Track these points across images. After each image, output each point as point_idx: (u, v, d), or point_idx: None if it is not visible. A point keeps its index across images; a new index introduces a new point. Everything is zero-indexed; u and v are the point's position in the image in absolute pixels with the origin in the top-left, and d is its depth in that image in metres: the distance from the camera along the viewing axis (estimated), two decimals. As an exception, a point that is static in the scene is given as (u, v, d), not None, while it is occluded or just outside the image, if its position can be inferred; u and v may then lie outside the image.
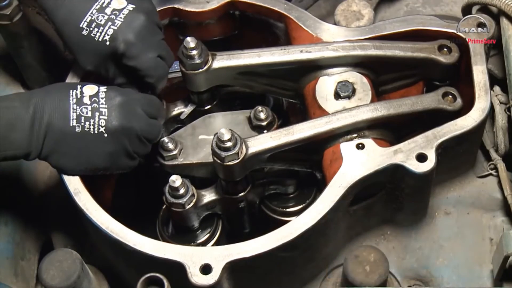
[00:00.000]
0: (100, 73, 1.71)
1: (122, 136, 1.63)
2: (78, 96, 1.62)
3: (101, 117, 1.61)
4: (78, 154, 1.63)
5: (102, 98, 1.62)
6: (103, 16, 1.65)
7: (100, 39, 1.65)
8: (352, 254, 1.57)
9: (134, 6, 1.67)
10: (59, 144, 1.61)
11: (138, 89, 1.72)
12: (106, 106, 1.61)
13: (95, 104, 1.61)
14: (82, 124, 1.60)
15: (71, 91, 1.63)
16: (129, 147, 1.65)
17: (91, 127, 1.60)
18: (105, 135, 1.61)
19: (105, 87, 1.65)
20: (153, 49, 1.68)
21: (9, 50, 1.95)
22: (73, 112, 1.60)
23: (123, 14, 1.65)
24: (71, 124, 1.60)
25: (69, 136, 1.60)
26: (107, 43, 1.65)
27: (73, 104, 1.61)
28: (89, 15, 1.65)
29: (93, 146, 1.62)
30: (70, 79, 1.80)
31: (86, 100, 1.62)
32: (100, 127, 1.60)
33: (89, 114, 1.61)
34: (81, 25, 1.65)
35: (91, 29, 1.65)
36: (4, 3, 1.80)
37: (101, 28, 1.64)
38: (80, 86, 1.64)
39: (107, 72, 1.70)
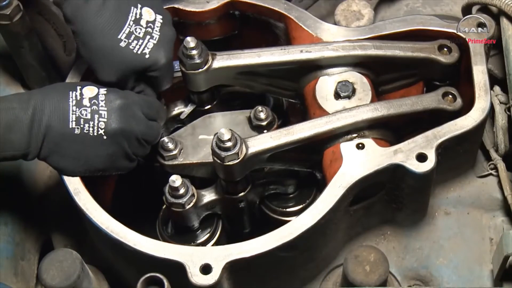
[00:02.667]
0: (119, 85, 1.69)
1: (121, 139, 1.63)
2: (78, 98, 1.62)
3: (100, 119, 1.60)
4: (77, 156, 1.63)
5: (101, 101, 1.62)
6: (141, 29, 1.65)
7: (139, 52, 1.65)
8: (352, 254, 1.57)
9: (162, 17, 1.69)
10: (58, 145, 1.61)
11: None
12: (105, 108, 1.61)
13: (94, 107, 1.61)
14: (81, 126, 1.60)
15: (70, 92, 1.62)
16: (128, 149, 1.65)
17: (90, 129, 1.60)
18: (104, 137, 1.61)
19: (105, 89, 1.65)
20: (172, 57, 1.72)
21: (9, 50, 1.95)
22: (72, 114, 1.60)
23: (157, 27, 1.67)
24: (70, 126, 1.60)
25: (68, 138, 1.60)
26: (147, 56, 1.65)
27: (72, 106, 1.61)
28: (127, 27, 1.64)
29: (92, 148, 1.62)
30: (70, 79, 1.80)
31: (85, 102, 1.61)
32: (99, 129, 1.60)
33: (89, 116, 1.60)
34: (119, 36, 1.64)
35: (130, 41, 1.64)
36: (4, 3, 1.80)
37: (141, 40, 1.65)
38: (80, 87, 1.64)
39: (125, 84, 1.69)
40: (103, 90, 1.64)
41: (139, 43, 1.64)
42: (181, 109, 1.88)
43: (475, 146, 1.88)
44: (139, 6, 1.67)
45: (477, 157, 1.92)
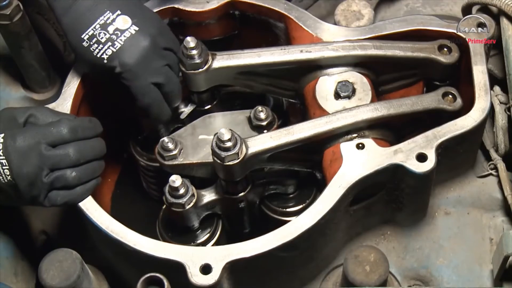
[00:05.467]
0: (96, 78, 1.74)
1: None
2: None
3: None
4: None
5: None
6: (105, 34, 1.67)
7: (98, 56, 1.67)
8: (352, 254, 1.57)
9: (137, 29, 1.68)
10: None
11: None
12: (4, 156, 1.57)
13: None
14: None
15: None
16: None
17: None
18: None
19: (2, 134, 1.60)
20: (149, 75, 1.69)
21: (9, 50, 1.95)
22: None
23: (124, 36, 1.67)
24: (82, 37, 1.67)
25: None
26: (105, 61, 1.67)
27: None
28: (92, 29, 1.67)
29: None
30: (70, 79, 1.80)
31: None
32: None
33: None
34: (82, 36, 1.67)
35: (91, 43, 1.67)
36: (4, 3, 1.80)
37: (101, 45, 1.67)
38: None
39: (101, 80, 1.73)
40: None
41: (99, 48, 1.67)
42: (181, 109, 1.88)
43: (475, 146, 1.88)
44: (118, 12, 1.68)
45: (477, 157, 1.92)
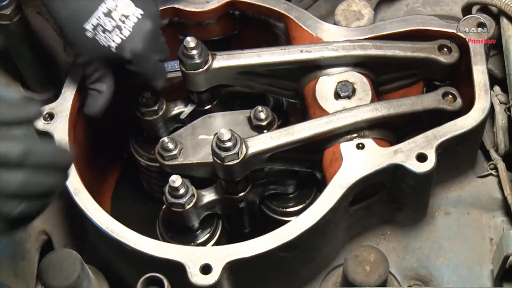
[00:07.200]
0: (86, 71, 1.70)
1: None
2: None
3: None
4: None
5: None
6: (110, 22, 1.64)
7: (105, 45, 1.65)
8: (352, 254, 1.57)
9: (142, 13, 1.66)
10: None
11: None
12: None
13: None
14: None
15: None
16: None
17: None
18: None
19: None
20: (156, 54, 1.70)
21: (9, 50, 1.95)
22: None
23: (131, 21, 1.65)
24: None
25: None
26: (113, 50, 1.65)
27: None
28: (96, 19, 1.64)
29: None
30: (70, 79, 1.80)
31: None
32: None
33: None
34: (84, 26, 1.64)
35: (97, 32, 1.64)
36: (4, 3, 1.80)
37: (108, 34, 1.65)
38: None
39: (93, 72, 1.69)
40: None
41: (105, 36, 1.65)
42: (181, 109, 1.88)
43: (475, 146, 1.88)
44: None
45: (477, 157, 1.92)
